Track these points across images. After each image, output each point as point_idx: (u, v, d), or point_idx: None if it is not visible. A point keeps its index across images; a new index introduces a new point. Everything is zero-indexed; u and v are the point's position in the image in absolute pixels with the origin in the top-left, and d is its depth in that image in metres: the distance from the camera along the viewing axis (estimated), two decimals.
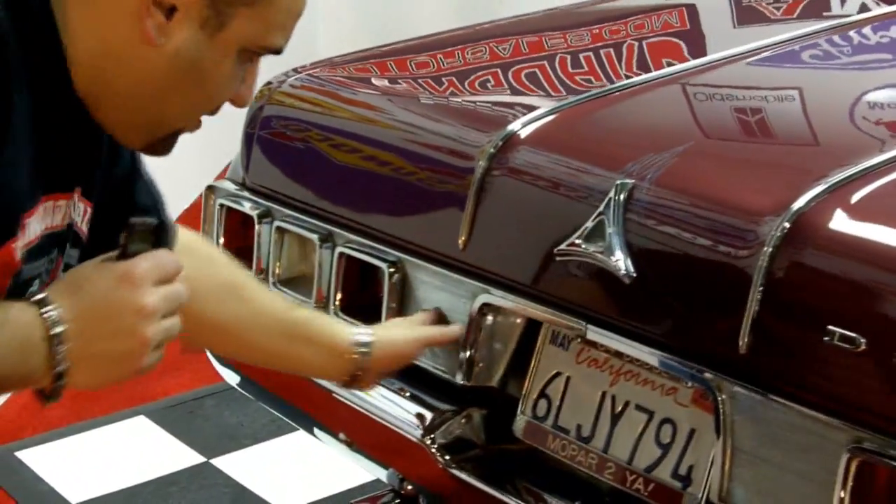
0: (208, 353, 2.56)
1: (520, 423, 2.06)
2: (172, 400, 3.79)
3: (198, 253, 1.88)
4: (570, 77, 2.39)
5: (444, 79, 2.42)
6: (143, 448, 3.59)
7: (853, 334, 1.58)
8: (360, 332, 2.03)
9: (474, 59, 2.51)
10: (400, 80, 2.48)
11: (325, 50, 2.70)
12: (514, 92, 2.38)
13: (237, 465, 3.48)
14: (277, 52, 1.50)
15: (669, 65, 2.34)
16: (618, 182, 1.85)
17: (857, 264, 1.64)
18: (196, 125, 1.53)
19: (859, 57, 2.51)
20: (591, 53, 2.49)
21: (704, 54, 2.45)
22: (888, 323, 1.58)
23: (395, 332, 2.08)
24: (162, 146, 1.54)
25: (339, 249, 2.28)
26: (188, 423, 3.69)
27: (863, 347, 1.58)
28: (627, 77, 2.32)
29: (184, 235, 1.83)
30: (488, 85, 2.39)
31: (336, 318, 2.25)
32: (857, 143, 1.96)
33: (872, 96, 2.18)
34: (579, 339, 1.98)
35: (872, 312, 1.60)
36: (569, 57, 2.47)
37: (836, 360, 1.60)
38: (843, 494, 1.61)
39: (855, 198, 1.70)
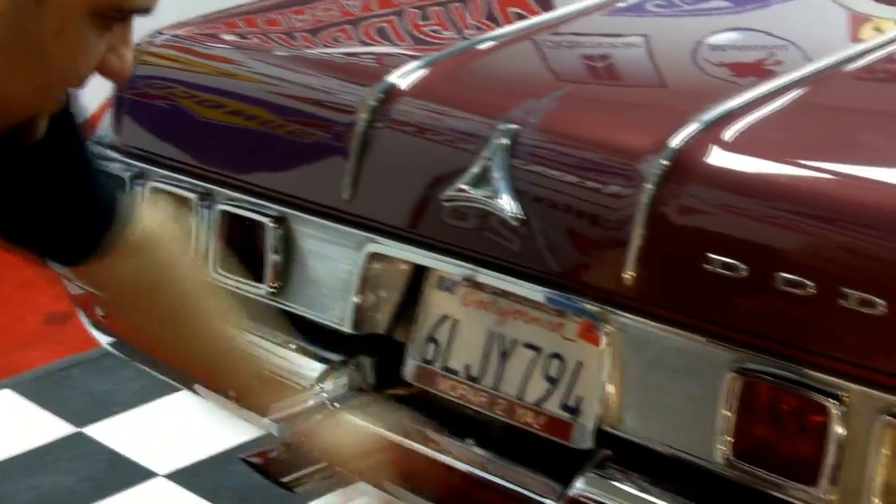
0: (80, 316, 2.57)
1: (409, 367, 2.12)
2: (39, 371, 3.76)
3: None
4: (420, 30, 2.44)
5: (315, 34, 2.46)
6: (12, 422, 3.55)
7: (733, 261, 1.68)
8: None
9: (326, 15, 2.55)
10: (269, 36, 2.50)
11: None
12: (377, 45, 2.42)
13: (110, 432, 3.47)
14: (143, 11, 1.24)
15: (520, 17, 2.40)
16: (501, 128, 1.92)
17: (733, 196, 1.73)
18: (53, 106, 1.29)
19: (708, 4, 2.62)
20: (440, 7, 2.55)
21: (551, 7, 2.52)
22: (766, 249, 1.67)
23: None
24: (23, 134, 1.29)
25: (218, 207, 2.31)
26: (56, 393, 3.66)
27: (743, 273, 1.67)
28: (479, 29, 2.38)
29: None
30: (347, 39, 2.42)
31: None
32: (725, 84, 2.06)
33: (731, 40, 2.29)
34: (466, 283, 2.04)
35: (750, 240, 1.69)
36: (418, 11, 2.52)
37: (717, 286, 1.70)
38: (727, 413, 1.71)
39: (727, 134, 1.80)
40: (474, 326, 2.06)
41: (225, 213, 2.30)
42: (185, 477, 3.25)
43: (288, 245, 2.22)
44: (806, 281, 1.61)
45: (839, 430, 1.61)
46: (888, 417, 1.57)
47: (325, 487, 3.07)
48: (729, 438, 1.71)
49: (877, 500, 1.59)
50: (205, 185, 2.33)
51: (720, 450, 1.72)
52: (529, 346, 2.00)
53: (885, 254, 1.58)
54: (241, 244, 2.31)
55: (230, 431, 3.29)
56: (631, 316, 1.81)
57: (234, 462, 3.18)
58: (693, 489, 1.77)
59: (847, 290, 1.58)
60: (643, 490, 1.81)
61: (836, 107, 1.92)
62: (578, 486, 1.84)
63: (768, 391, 1.70)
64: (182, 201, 2.38)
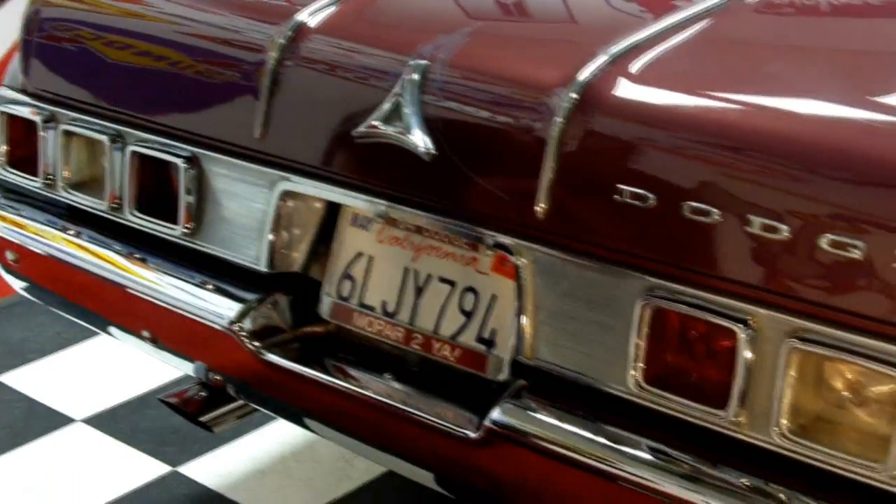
0: None
1: (325, 304, 2.14)
2: None
3: None
4: None
5: None
6: None
7: (642, 191, 1.71)
8: None
9: None
10: None
11: None
12: None
13: (26, 379, 3.46)
14: None
15: None
16: (411, 63, 1.93)
17: (641, 127, 1.76)
18: None
19: None
20: None
21: None
22: (673, 179, 1.70)
23: None
24: None
25: (130, 149, 2.30)
26: None
27: (651, 203, 1.70)
28: None
29: None
30: None
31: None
32: (629, 18, 2.08)
33: None
34: (380, 219, 2.06)
35: (658, 170, 1.72)
36: None
37: (627, 216, 1.73)
38: (639, 340, 1.75)
39: (634, 67, 1.82)
40: (389, 262, 2.07)
41: (137, 154, 2.29)
42: (103, 421, 3.26)
43: (201, 185, 2.22)
44: (712, 209, 1.65)
45: (747, 354, 1.65)
46: (795, 340, 1.61)
47: (244, 428, 3.11)
48: (641, 365, 1.75)
49: (784, 421, 1.63)
50: (116, 126, 2.33)
51: (632, 376, 1.75)
52: (444, 281, 2.02)
53: (787, 180, 1.61)
54: (155, 185, 2.30)
55: (147, 375, 3.30)
56: (543, 248, 1.84)
57: (152, 405, 3.21)
58: (607, 416, 1.81)
59: (751, 216, 1.62)
60: (558, 418, 1.84)
61: (738, 38, 1.94)
62: (494, 416, 1.87)
63: (678, 318, 1.73)
64: (94, 144, 2.37)
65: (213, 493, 2.95)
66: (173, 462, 3.07)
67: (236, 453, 3.11)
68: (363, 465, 3.03)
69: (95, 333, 3.44)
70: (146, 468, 3.04)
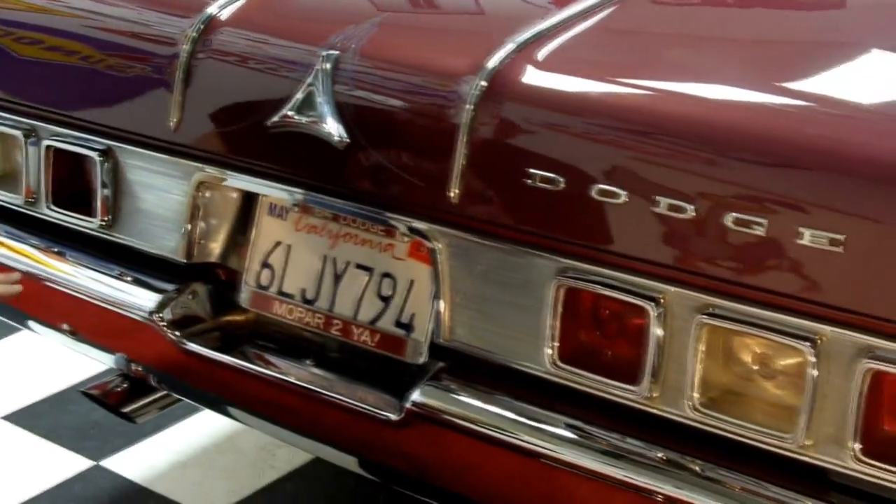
0: None
1: (245, 293, 2.16)
2: None
3: None
4: None
5: None
6: None
7: (552, 174, 1.75)
8: None
9: None
10: None
11: None
12: None
13: None
14: None
15: None
16: (323, 54, 1.95)
17: (549, 112, 1.80)
18: None
19: None
20: None
21: None
22: (581, 162, 1.75)
23: None
24: None
25: (45, 143, 2.30)
26: None
27: (561, 186, 1.75)
28: None
29: None
30: None
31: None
32: (535, 8, 2.12)
33: None
34: (297, 208, 2.08)
35: (567, 154, 1.76)
36: None
37: (538, 199, 1.77)
38: (553, 320, 1.79)
39: (540, 53, 1.86)
40: (307, 251, 2.10)
41: (52, 148, 2.30)
42: (24, 418, 3.25)
43: (117, 178, 2.24)
44: (620, 190, 1.69)
45: (658, 330, 1.70)
46: (703, 316, 1.66)
47: (165, 421, 3.12)
48: (556, 344, 1.79)
49: (695, 395, 1.68)
50: (29, 121, 2.33)
51: (548, 355, 1.80)
52: (362, 267, 2.05)
53: (690, 161, 1.66)
54: (71, 179, 2.31)
55: (67, 371, 3.30)
56: (457, 232, 1.88)
57: (73, 401, 3.20)
58: (525, 394, 1.85)
59: (658, 197, 1.66)
60: (476, 398, 1.88)
61: (638, 27, 2.00)
62: (414, 397, 1.91)
63: (591, 297, 1.78)
64: (8, 139, 2.38)
65: (136, 485, 2.96)
66: (95, 456, 3.07)
67: (158, 446, 3.12)
68: (285, 456, 3.05)
69: (13, 331, 3.44)
70: (68, 463, 3.04)
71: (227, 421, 3.17)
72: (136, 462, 3.05)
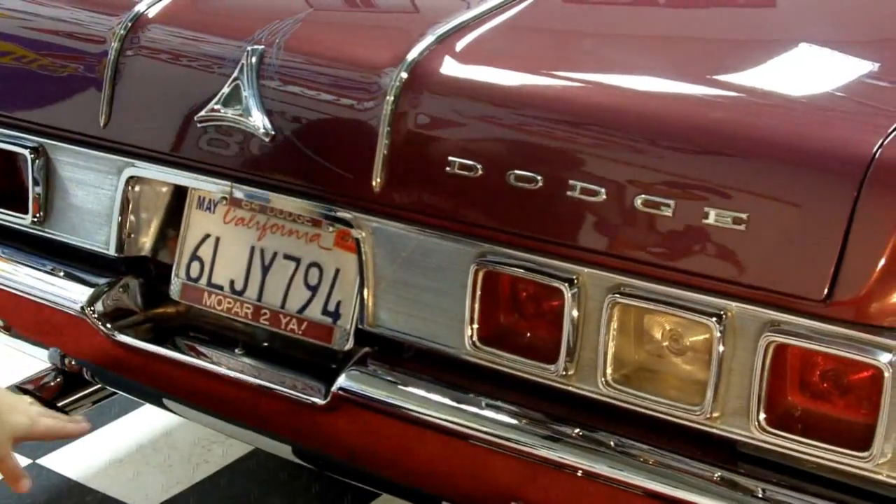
0: None
1: (175, 285, 2.21)
2: None
3: None
4: None
5: None
6: None
7: (470, 162, 1.81)
8: None
9: None
10: None
11: None
12: None
13: None
14: None
15: None
16: (248, 49, 2.01)
17: (467, 101, 1.86)
18: None
19: None
20: None
21: None
22: (498, 149, 1.81)
23: (11, 401, 2.03)
24: None
25: None
26: None
27: (479, 173, 1.81)
28: None
29: None
30: None
31: None
32: (454, 2, 2.18)
33: None
34: (225, 201, 2.13)
35: (484, 142, 1.83)
36: None
37: (458, 186, 1.83)
38: (472, 303, 1.85)
39: (459, 46, 1.92)
40: (236, 242, 2.15)
41: None
42: None
43: (49, 175, 2.28)
44: (535, 176, 1.76)
45: (573, 310, 1.77)
46: (615, 295, 1.73)
47: (101, 419, 3.15)
48: (476, 326, 1.85)
49: (609, 370, 1.75)
50: None
51: (468, 337, 1.86)
52: (289, 258, 2.10)
53: (601, 147, 1.73)
54: (3, 176, 2.35)
55: (4, 371, 3.30)
56: (381, 220, 1.94)
57: None
58: (447, 375, 1.91)
59: (572, 181, 1.73)
60: (400, 381, 1.94)
61: (555, 20, 2.07)
62: (340, 382, 1.96)
63: (509, 280, 1.84)
64: None
65: (72, 482, 2.99)
66: (32, 455, 3.09)
67: (94, 444, 3.15)
68: (220, 451, 3.09)
69: None
70: None
71: (162, 419, 3.21)
72: (72, 460, 3.07)
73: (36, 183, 2.28)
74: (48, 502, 2.92)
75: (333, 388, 1.97)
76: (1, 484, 2.94)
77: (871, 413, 1.58)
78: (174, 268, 2.21)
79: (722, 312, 1.65)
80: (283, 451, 2.20)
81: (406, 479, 2.03)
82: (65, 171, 2.26)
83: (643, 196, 1.68)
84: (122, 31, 2.15)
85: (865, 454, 1.58)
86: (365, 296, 1.98)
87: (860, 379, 1.61)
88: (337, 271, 2.05)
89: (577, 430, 1.80)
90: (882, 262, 1.55)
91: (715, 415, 1.67)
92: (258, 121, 1.98)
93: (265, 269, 2.12)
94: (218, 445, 3.10)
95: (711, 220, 1.63)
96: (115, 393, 2.48)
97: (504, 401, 1.86)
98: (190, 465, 3.04)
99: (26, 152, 2.28)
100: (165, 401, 2.30)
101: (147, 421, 3.23)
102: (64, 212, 2.27)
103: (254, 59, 2.00)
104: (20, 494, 2.88)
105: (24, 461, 2.97)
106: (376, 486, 2.21)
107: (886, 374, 1.55)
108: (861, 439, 1.58)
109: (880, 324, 1.56)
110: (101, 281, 2.25)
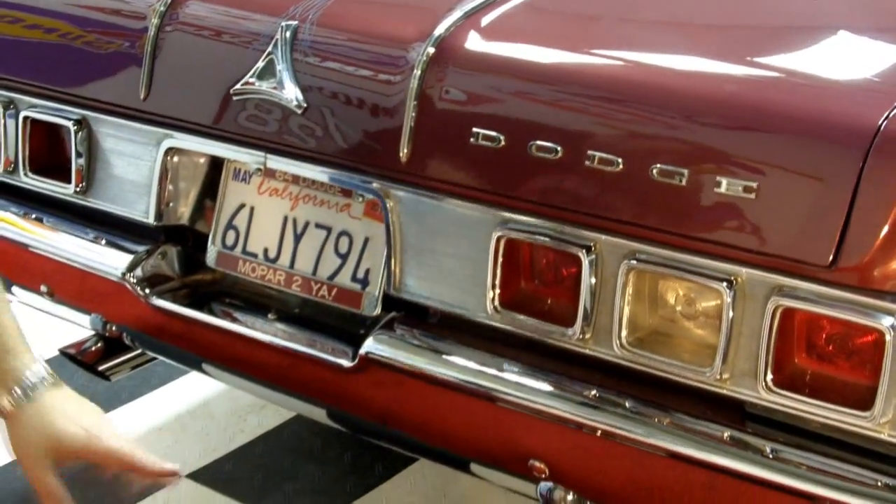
0: None
1: (211, 253, 2.29)
2: None
3: None
4: None
5: None
6: None
7: (493, 133, 1.89)
8: (34, 372, 1.70)
9: None
10: None
11: None
12: None
13: None
14: None
15: None
16: (283, 24, 2.09)
17: (491, 76, 1.94)
18: None
19: None
20: None
21: None
22: (520, 121, 1.88)
23: (73, 408, 1.70)
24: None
25: (22, 114, 2.43)
26: None
27: (502, 143, 1.88)
28: None
29: None
30: None
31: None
32: None
33: None
34: (259, 172, 2.22)
35: (507, 114, 1.90)
36: None
37: (481, 157, 1.91)
38: (495, 269, 1.92)
39: (485, 22, 1.99)
40: (270, 212, 2.23)
41: (29, 119, 2.43)
42: None
43: (91, 146, 2.37)
44: (555, 146, 1.83)
45: (590, 276, 1.84)
46: (631, 262, 1.80)
47: (141, 389, 3.24)
48: (497, 291, 1.93)
49: (624, 333, 1.82)
50: (8, 94, 2.46)
51: (490, 302, 1.93)
52: (321, 227, 2.18)
53: (618, 118, 1.80)
54: (48, 148, 2.44)
55: (47, 341, 3.38)
56: (408, 190, 2.01)
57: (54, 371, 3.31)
58: (469, 339, 1.99)
59: (590, 151, 1.80)
60: (425, 344, 2.01)
61: None
62: (367, 345, 2.04)
63: (529, 247, 1.92)
64: None
65: None
66: None
67: (134, 412, 3.24)
68: (255, 420, 3.18)
69: None
70: None
71: (200, 390, 3.31)
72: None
73: (79, 154, 2.37)
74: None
75: (361, 351, 2.04)
76: None
77: (873, 375, 1.65)
78: (210, 236, 2.29)
79: (732, 278, 1.72)
80: (318, 414, 2.28)
81: (433, 440, 2.10)
82: (106, 142, 2.35)
83: (658, 166, 1.75)
84: (161, 8, 2.24)
85: (867, 414, 1.64)
86: (392, 263, 2.05)
87: (863, 342, 1.67)
88: (366, 240, 2.13)
89: (593, 392, 1.86)
90: (885, 229, 1.61)
91: (725, 376, 1.74)
92: (291, 94, 2.06)
93: (297, 238, 2.20)
94: (253, 415, 3.19)
95: (723, 188, 1.70)
96: (154, 358, 2.57)
97: (524, 363, 1.93)
98: (226, 434, 3.13)
99: (70, 124, 2.37)
100: (199, 364, 2.39)
101: (185, 391, 3.32)
102: (105, 182, 2.36)
103: (287, 35, 2.08)
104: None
105: None
106: (406, 448, 2.28)
107: (888, 337, 1.61)
108: (863, 400, 1.65)
109: (883, 289, 1.62)
110: (141, 248, 2.34)
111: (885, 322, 1.62)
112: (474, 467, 2.07)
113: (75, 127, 2.36)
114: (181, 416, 3.23)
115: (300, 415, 3.12)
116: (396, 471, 2.94)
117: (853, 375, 1.69)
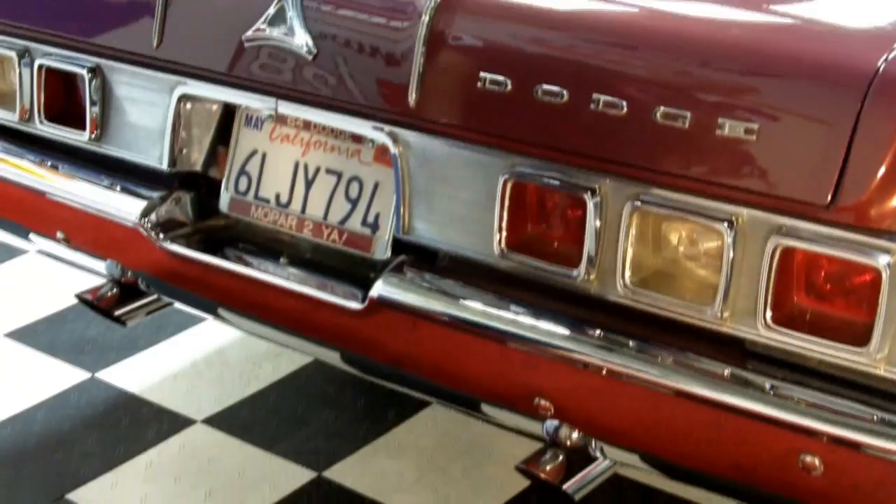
0: None
1: (224, 199, 2.33)
2: None
3: None
4: None
5: None
6: None
7: (500, 77, 1.92)
8: None
9: None
10: None
11: None
12: None
13: None
14: None
15: None
16: None
17: (496, 21, 1.97)
18: None
19: None
20: None
21: None
22: (526, 65, 1.91)
23: None
24: None
25: (38, 62, 2.47)
26: None
27: (509, 88, 1.91)
28: None
29: None
30: None
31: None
32: None
33: None
34: (271, 118, 2.25)
35: (512, 58, 1.93)
36: None
37: (488, 101, 1.94)
38: (502, 212, 1.96)
39: None
40: (281, 158, 2.27)
41: (44, 68, 2.46)
42: (25, 335, 3.43)
43: (105, 94, 2.40)
44: (561, 90, 1.86)
45: (595, 218, 1.87)
46: (635, 203, 1.83)
47: (157, 337, 3.29)
48: (504, 234, 1.96)
49: (628, 274, 1.85)
50: (23, 43, 2.49)
51: (497, 245, 1.97)
52: (331, 172, 2.22)
53: (622, 62, 1.83)
54: (62, 96, 2.48)
55: (64, 292, 3.45)
56: (417, 135, 2.04)
57: (70, 320, 3.39)
58: (477, 280, 2.02)
59: (595, 94, 1.83)
60: (434, 286, 2.05)
61: None
62: (377, 288, 2.08)
63: (535, 190, 1.95)
64: (3, 60, 2.54)
65: (129, 395, 3.14)
66: (91, 369, 3.25)
67: (150, 360, 3.30)
68: (270, 367, 3.23)
69: (14, 255, 3.62)
70: (66, 376, 3.22)
71: (216, 336, 3.36)
72: (129, 374, 3.23)
73: (93, 102, 2.40)
74: (107, 413, 3.07)
75: (371, 294, 2.08)
76: (63, 394, 3.12)
77: (869, 312, 1.68)
78: (223, 182, 2.33)
79: (733, 218, 1.75)
80: (332, 357, 2.31)
81: (444, 381, 2.14)
82: (120, 90, 2.38)
83: (662, 109, 1.78)
84: None
85: (864, 350, 1.68)
86: (402, 207, 2.09)
87: (860, 280, 1.71)
88: (376, 184, 2.17)
89: (597, 331, 1.90)
90: (882, 169, 1.64)
91: (725, 315, 1.78)
92: (302, 40, 2.09)
93: (309, 184, 2.24)
94: (268, 362, 3.24)
95: (725, 131, 1.73)
96: (170, 304, 2.61)
97: (530, 304, 1.97)
98: (241, 381, 3.18)
99: (84, 72, 2.40)
100: (213, 308, 2.43)
101: (201, 339, 3.37)
102: (119, 129, 2.40)
103: None
104: (81, 404, 3.05)
105: (83, 375, 3.14)
106: (417, 390, 2.31)
107: (884, 275, 1.65)
108: (860, 336, 1.68)
109: (879, 227, 1.65)
110: (155, 195, 2.38)
111: (882, 260, 1.65)
112: (484, 407, 2.12)
113: (89, 75, 2.40)
114: (197, 363, 3.28)
115: (314, 362, 3.18)
116: (409, 416, 2.99)
117: (850, 313, 1.73)
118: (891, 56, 1.66)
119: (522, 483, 2.64)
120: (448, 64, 2.00)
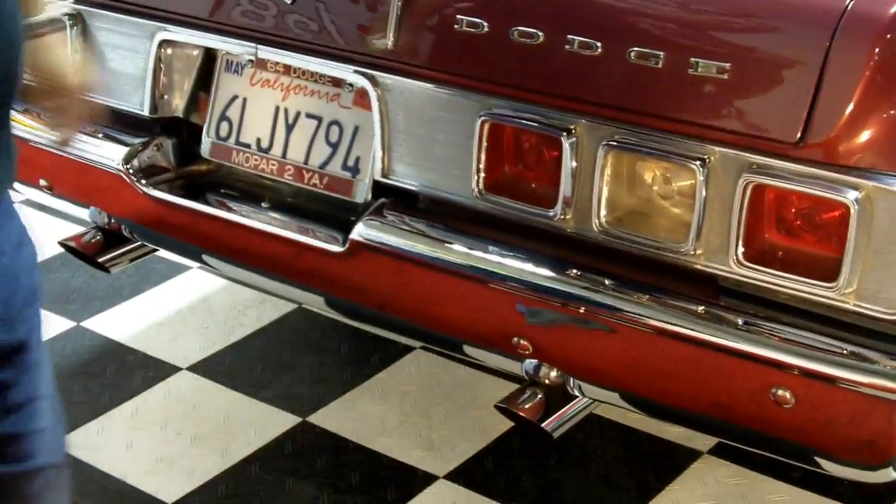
0: None
1: (206, 144, 2.35)
2: None
3: None
4: None
5: None
6: None
7: (476, 20, 1.94)
8: None
9: None
10: None
11: None
12: None
13: None
14: None
15: None
16: None
17: None
18: None
19: None
20: None
21: None
22: (501, 6, 1.94)
23: None
24: None
25: None
26: None
27: (485, 30, 1.94)
28: None
29: None
30: None
31: None
32: None
33: None
34: (251, 63, 2.27)
35: (489, 0, 1.95)
36: None
37: (465, 43, 1.96)
38: (479, 153, 1.98)
39: None
40: (262, 103, 2.29)
41: None
42: None
43: (85, 40, 2.41)
44: (536, 32, 1.88)
45: (571, 159, 1.90)
46: (610, 143, 1.86)
47: (141, 286, 3.31)
48: (482, 175, 1.99)
49: (603, 213, 1.89)
50: None
51: (475, 186, 1.99)
52: (311, 117, 2.24)
53: (595, 2, 1.86)
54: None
55: (48, 243, 3.46)
56: (396, 78, 2.07)
57: (55, 269, 3.40)
58: (456, 222, 2.05)
59: (570, 35, 1.85)
60: (413, 228, 2.08)
61: None
62: (357, 230, 2.11)
63: (512, 131, 1.98)
64: None
65: (115, 342, 3.15)
66: (77, 318, 3.27)
67: (135, 308, 3.32)
68: (254, 314, 3.25)
69: None
70: (52, 324, 3.23)
71: (200, 285, 3.38)
72: (114, 322, 3.25)
73: (74, 49, 2.42)
74: (92, 361, 3.09)
75: (351, 236, 2.11)
76: (48, 343, 3.13)
77: (839, 247, 1.72)
78: (205, 128, 2.35)
79: (705, 157, 1.78)
80: (316, 301, 2.34)
81: (424, 322, 2.17)
82: (101, 36, 2.40)
83: (635, 49, 1.80)
84: None
85: (833, 284, 1.71)
86: (381, 151, 2.11)
87: (830, 216, 1.74)
88: (356, 128, 2.19)
89: (573, 270, 1.93)
90: (850, 107, 1.67)
91: (699, 252, 1.81)
92: None
93: (289, 128, 2.26)
94: (253, 310, 3.26)
95: (697, 70, 1.76)
96: (154, 251, 2.63)
97: (508, 245, 2.00)
98: (226, 328, 3.20)
99: (64, 19, 2.41)
100: (196, 253, 2.45)
101: (185, 287, 3.39)
102: (101, 75, 2.41)
103: None
104: (67, 353, 3.07)
105: (68, 324, 3.16)
106: (400, 332, 2.34)
107: (853, 210, 1.68)
108: (830, 271, 1.72)
109: (848, 164, 1.68)
110: (137, 141, 2.40)
111: (850, 196, 1.68)
112: (465, 348, 2.15)
113: (70, 21, 2.41)
114: (181, 310, 3.30)
115: (299, 309, 3.21)
116: (392, 361, 3.02)
117: (820, 248, 1.76)
118: None
119: (505, 425, 2.67)
120: (425, 7, 2.01)
